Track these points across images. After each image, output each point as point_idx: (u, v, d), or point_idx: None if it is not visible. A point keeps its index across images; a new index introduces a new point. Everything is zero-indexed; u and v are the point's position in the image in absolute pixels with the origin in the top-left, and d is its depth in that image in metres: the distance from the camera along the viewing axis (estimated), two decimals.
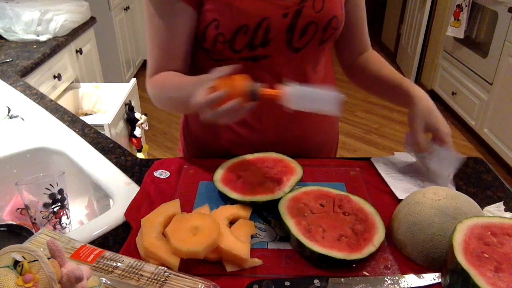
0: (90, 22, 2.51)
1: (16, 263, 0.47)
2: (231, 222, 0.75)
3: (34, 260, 0.48)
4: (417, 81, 3.93)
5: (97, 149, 1.01)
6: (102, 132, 1.22)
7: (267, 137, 0.94)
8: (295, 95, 0.69)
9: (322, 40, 0.86)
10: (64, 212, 0.88)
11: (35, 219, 0.85)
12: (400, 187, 0.84)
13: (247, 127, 0.93)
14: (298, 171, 0.85)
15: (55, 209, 0.86)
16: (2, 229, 0.77)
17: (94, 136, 1.07)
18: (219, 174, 0.85)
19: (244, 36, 0.80)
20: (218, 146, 0.97)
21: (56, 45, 2.04)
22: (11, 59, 1.81)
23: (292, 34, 0.83)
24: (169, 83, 0.86)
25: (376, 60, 0.98)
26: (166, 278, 0.59)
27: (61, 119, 1.16)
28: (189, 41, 0.86)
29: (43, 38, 2.07)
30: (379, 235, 0.69)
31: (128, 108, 2.07)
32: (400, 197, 0.81)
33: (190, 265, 0.65)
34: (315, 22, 0.83)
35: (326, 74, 0.95)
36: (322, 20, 0.83)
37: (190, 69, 0.91)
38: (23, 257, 0.48)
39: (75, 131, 1.09)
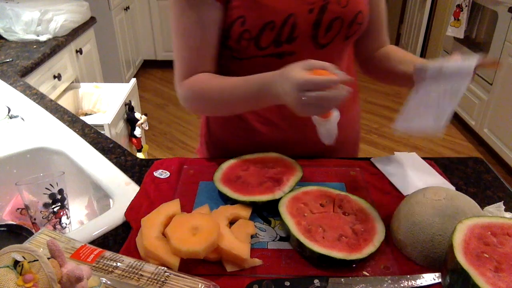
0: (90, 22, 2.51)
1: (16, 263, 0.47)
2: (231, 222, 0.75)
3: (34, 260, 0.48)
4: None
5: (97, 149, 1.01)
6: (102, 132, 1.22)
7: (288, 137, 0.94)
8: (333, 122, 0.75)
9: (347, 36, 0.85)
10: (64, 212, 0.87)
11: (35, 219, 0.85)
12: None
13: (270, 125, 0.93)
14: (298, 171, 0.85)
15: (55, 209, 0.86)
16: (2, 229, 0.77)
17: (94, 136, 1.07)
18: (219, 174, 0.85)
19: (271, 32, 0.80)
20: (240, 146, 0.96)
21: (56, 45, 2.04)
22: (11, 59, 1.81)
23: (317, 30, 0.82)
24: (221, 82, 0.84)
25: (399, 50, 0.97)
26: (166, 278, 0.59)
27: (61, 119, 1.16)
28: (219, 39, 0.84)
29: (43, 38, 2.07)
30: (379, 235, 0.69)
31: (128, 108, 2.07)
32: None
33: (190, 265, 0.65)
34: (340, 18, 0.82)
35: (348, 70, 0.95)
36: (348, 15, 0.83)
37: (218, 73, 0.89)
38: (23, 257, 0.48)
39: (75, 131, 1.09)
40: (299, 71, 0.70)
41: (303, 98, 0.68)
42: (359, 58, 1.02)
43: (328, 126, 0.75)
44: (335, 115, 0.74)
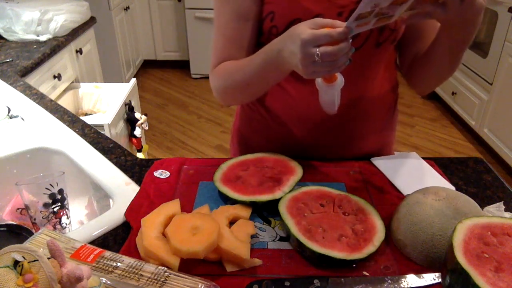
0: (90, 22, 2.51)
1: (16, 263, 0.47)
2: (231, 222, 0.75)
3: (34, 260, 0.48)
4: None
5: (97, 149, 1.01)
6: (102, 132, 1.22)
7: (321, 140, 0.94)
8: (337, 88, 0.73)
9: (378, 42, 0.83)
10: (64, 212, 0.87)
11: (35, 219, 0.85)
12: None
13: (301, 129, 0.93)
14: (298, 171, 0.85)
15: (55, 209, 0.86)
16: (2, 229, 0.77)
17: (94, 136, 1.07)
18: (219, 174, 0.85)
19: None
20: (269, 149, 0.95)
21: (56, 45, 2.04)
22: (11, 59, 1.81)
23: None
24: (241, 62, 0.84)
25: None
26: (166, 278, 0.59)
27: (61, 119, 1.16)
28: (254, 33, 0.86)
29: (43, 38, 2.07)
30: (379, 235, 0.69)
31: (128, 108, 2.07)
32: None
33: (190, 265, 0.65)
34: None
35: (383, 79, 0.92)
36: None
37: None
38: (23, 257, 0.48)
39: (75, 131, 1.09)
40: (304, 28, 0.66)
41: (309, 56, 0.64)
42: (402, 65, 0.96)
43: (332, 92, 0.72)
44: (339, 80, 0.71)
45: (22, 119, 1.15)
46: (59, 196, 0.86)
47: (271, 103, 0.95)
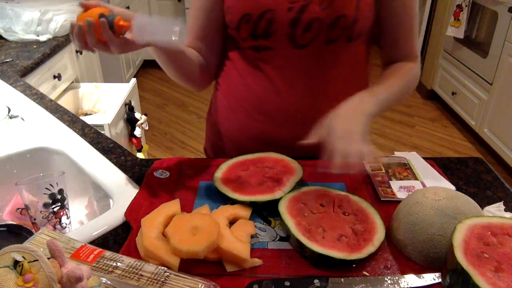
0: None
1: (16, 263, 0.47)
2: (231, 222, 0.75)
3: (34, 260, 0.48)
4: None
5: (97, 149, 1.01)
6: (102, 132, 1.22)
7: (295, 134, 0.94)
8: (139, 25, 0.69)
9: (329, 39, 0.84)
10: (64, 212, 0.87)
11: (35, 219, 0.85)
12: (400, 187, 0.85)
13: (274, 123, 0.94)
14: (298, 171, 0.85)
15: (55, 209, 0.86)
16: (2, 229, 0.76)
17: (94, 136, 1.07)
18: (219, 174, 0.85)
19: (247, 24, 0.83)
20: (244, 141, 0.97)
21: (56, 45, 2.04)
22: (11, 59, 1.81)
23: (295, 29, 0.83)
24: None
25: (393, 68, 0.93)
26: (166, 278, 0.59)
27: (61, 119, 1.16)
28: (215, 25, 0.91)
29: (43, 38, 2.07)
30: (379, 235, 0.69)
31: (128, 108, 2.07)
32: (401, 196, 0.81)
33: (190, 265, 0.65)
34: (319, 19, 0.82)
35: (350, 79, 0.92)
36: (327, 17, 0.82)
37: (221, 57, 0.98)
38: (23, 257, 0.48)
39: (75, 131, 1.09)
40: None
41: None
42: (382, 65, 0.98)
43: (144, 34, 0.69)
44: (133, 20, 0.69)
45: (22, 119, 1.15)
46: (59, 196, 0.86)
47: (229, 93, 0.98)
